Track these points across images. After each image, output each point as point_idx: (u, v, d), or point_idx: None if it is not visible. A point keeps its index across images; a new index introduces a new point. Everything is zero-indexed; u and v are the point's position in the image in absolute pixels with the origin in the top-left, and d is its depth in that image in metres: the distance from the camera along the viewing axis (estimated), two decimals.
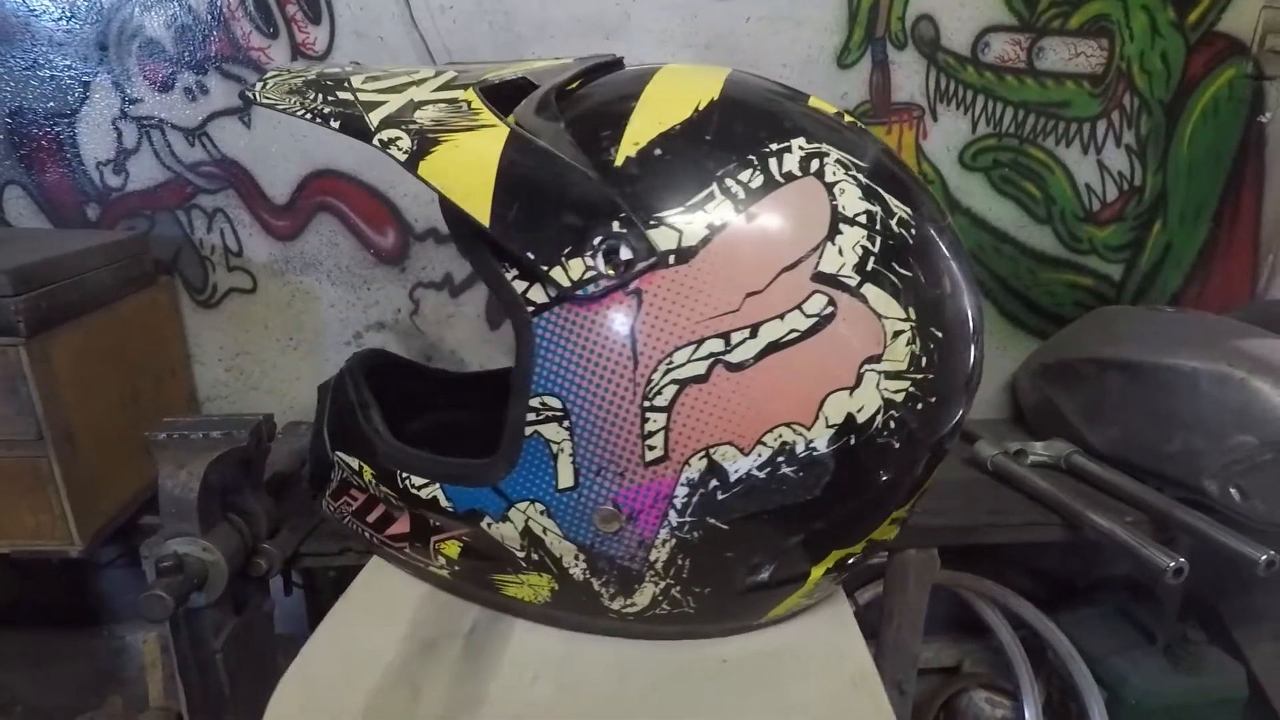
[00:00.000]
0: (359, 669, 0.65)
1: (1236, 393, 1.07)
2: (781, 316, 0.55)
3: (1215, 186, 1.41)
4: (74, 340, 1.00)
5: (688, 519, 0.59)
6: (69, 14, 1.16)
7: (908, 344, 0.58)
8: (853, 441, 0.58)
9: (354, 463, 0.73)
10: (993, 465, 1.21)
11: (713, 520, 0.59)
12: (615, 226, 0.54)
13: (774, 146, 0.58)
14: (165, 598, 0.78)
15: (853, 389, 0.57)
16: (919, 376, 0.59)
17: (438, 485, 0.66)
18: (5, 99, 1.19)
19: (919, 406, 0.59)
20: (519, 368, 0.59)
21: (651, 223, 0.55)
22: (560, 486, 0.60)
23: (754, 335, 0.55)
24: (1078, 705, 1.29)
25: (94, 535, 1.02)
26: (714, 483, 0.58)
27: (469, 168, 0.56)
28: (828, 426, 0.57)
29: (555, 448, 0.59)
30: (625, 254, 0.54)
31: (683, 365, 0.55)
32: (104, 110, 1.21)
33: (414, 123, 0.58)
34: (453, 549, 0.69)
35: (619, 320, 0.56)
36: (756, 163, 0.57)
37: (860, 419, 0.58)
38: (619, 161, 0.57)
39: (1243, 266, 1.46)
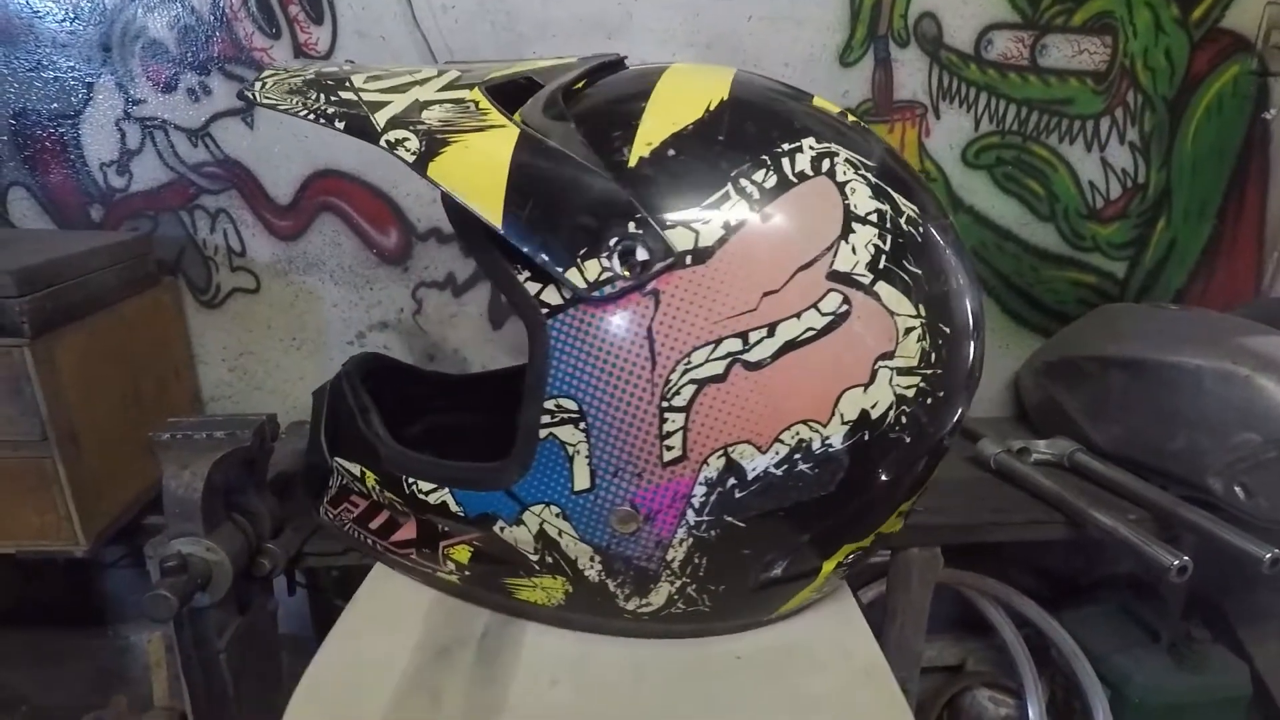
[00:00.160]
0: (373, 679, 0.64)
1: (1241, 390, 1.07)
2: (798, 315, 0.56)
3: (1219, 183, 1.41)
4: (78, 341, 1.00)
5: (705, 518, 0.60)
6: (72, 15, 1.16)
7: (918, 340, 0.59)
8: (866, 437, 0.59)
9: (355, 469, 0.72)
10: (996, 463, 1.21)
11: (730, 518, 0.60)
12: (631, 227, 0.54)
13: (786, 146, 0.59)
14: (169, 597, 0.78)
15: (867, 385, 0.58)
16: (929, 372, 0.60)
17: (447, 490, 0.66)
18: (9, 100, 1.18)
19: (928, 401, 0.60)
20: (532, 370, 0.58)
21: (668, 223, 0.55)
22: (576, 488, 0.60)
23: (771, 334, 0.55)
24: (1081, 704, 1.29)
25: (98, 535, 1.02)
26: (732, 481, 0.58)
27: (479, 169, 0.56)
28: (843, 423, 0.58)
29: (571, 450, 0.59)
30: (641, 255, 0.54)
31: (701, 365, 0.55)
32: (107, 111, 1.20)
33: (421, 123, 0.58)
34: (463, 554, 0.69)
35: (636, 321, 0.56)
36: (770, 162, 0.57)
37: (874, 415, 0.58)
38: (632, 162, 0.57)
39: (1247, 263, 1.46)
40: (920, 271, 0.59)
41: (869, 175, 0.59)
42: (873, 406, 0.58)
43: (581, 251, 0.55)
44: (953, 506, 1.12)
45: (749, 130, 0.59)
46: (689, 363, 0.55)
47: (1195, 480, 1.11)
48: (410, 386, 0.90)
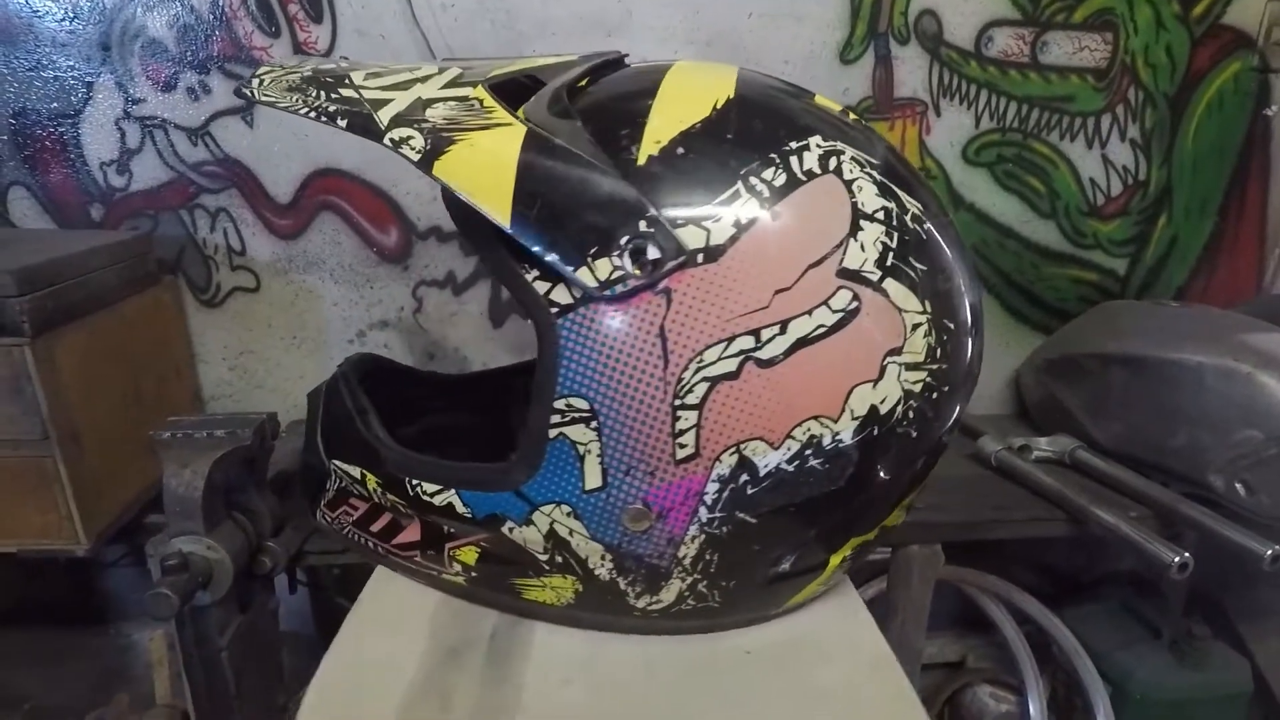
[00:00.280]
0: (382, 682, 0.64)
1: (1242, 387, 1.07)
2: (809, 312, 0.56)
3: (1220, 180, 1.41)
4: (79, 340, 0.99)
5: (718, 514, 0.60)
6: (72, 15, 1.16)
7: (924, 336, 0.59)
8: (875, 432, 0.59)
9: (355, 471, 0.71)
10: (997, 461, 1.22)
11: (742, 515, 0.60)
12: (642, 226, 0.54)
13: (793, 145, 0.59)
14: (171, 596, 0.78)
15: (876, 381, 0.58)
16: (934, 367, 0.60)
17: (453, 491, 0.65)
18: (9, 100, 1.18)
19: (934, 396, 0.61)
20: (542, 370, 0.58)
21: (679, 222, 0.55)
22: (588, 487, 0.60)
23: (783, 331, 0.55)
24: (1082, 700, 1.29)
25: (99, 534, 1.01)
26: (744, 477, 0.58)
27: (486, 167, 0.56)
28: (853, 418, 0.58)
29: (582, 449, 0.59)
30: (653, 253, 0.54)
31: (714, 363, 0.55)
32: (107, 110, 1.20)
33: (426, 121, 0.58)
34: (469, 555, 0.69)
35: (648, 320, 0.55)
36: (779, 160, 0.57)
37: (883, 410, 0.59)
38: (641, 160, 0.57)
39: (1248, 260, 1.46)
40: (925, 268, 0.59)
41: (874, 173, 0.60)
42: (881, 401, 0.58)
43: (592, 250, 0.54)
44: (954, 504, 1.12)
45: (756, 128, 0.59)
46: (701, 360, 0.55)
47: (1196, 477, 1.11)
48: (406, 388, 0.89)
